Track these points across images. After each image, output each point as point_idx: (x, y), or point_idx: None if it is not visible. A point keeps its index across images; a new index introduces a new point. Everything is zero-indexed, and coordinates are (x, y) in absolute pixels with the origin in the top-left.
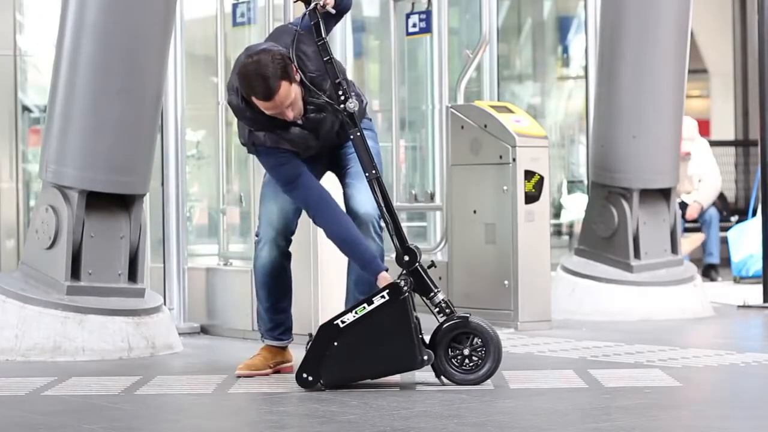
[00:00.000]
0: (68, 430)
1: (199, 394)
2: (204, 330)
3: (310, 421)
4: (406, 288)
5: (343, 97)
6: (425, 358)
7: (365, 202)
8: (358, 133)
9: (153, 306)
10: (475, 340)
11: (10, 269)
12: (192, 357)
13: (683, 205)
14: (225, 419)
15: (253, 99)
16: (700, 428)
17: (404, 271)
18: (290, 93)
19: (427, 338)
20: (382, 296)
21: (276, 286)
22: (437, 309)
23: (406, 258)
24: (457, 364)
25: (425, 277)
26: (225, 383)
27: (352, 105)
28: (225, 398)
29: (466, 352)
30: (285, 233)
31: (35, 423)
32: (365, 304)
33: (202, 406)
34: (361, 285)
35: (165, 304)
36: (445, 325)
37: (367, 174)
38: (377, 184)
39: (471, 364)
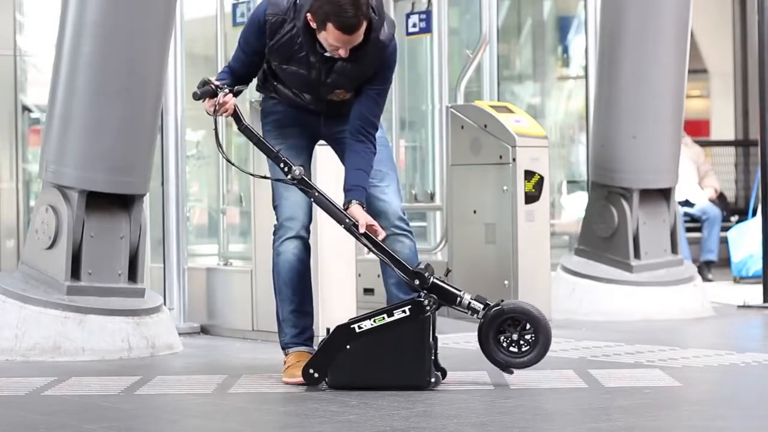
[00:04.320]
0: (68, 430)
1: (199, 394)
2: (204, 330)
3: (310, 421)
4: (428, 308)
5: (286, 168)
6: (433, 380)
7: (389, 200)
8: (316, 195)
9: (153, 306)
10: (523, 324)
11: (10, 269)
12: (192, 357)
13: (688, 203)
14: (225, 419)
15: (330, 24)
16: (700, 428)
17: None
18: (362, 34)
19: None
20: (404, 311)
21: (301, 284)
22: (469, 311)
23: (416, 282)
24: (515, 350)
25: (445, 286)
26: (225, 383)
27: (297, 173)
28: (225, 398)
29: (515, 336)
30: (308, 225)
31: (35, 423)
32: (385, 315)
33: (202, 406)
34: (404, 286)
35: (165, 304)
36: (484, 322)
37: (343, 225)
38: (357, 230)
39: (524, 344)
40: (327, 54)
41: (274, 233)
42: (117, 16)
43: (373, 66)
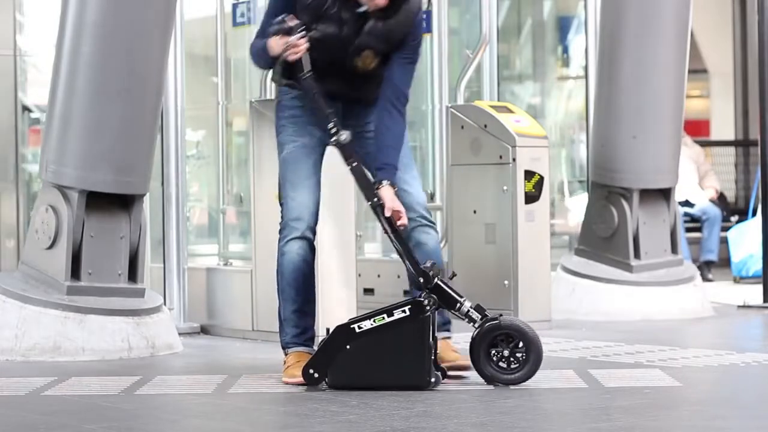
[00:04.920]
0: (68, 430)
1: (199, 394)
2: (204, 330)
3: (310, 421)
4: (428, 308)
5: (334, 130)
6: (433, 380)
7: (413, 191)
8: (354, 164)
9: (153, 306)
10: (516, 342)
11: (10, 269)
12: (192, 357)
13: (688, 204)
14: (225, 419)
15: None
16: (700, 428)
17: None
18: None
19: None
20: (403, 311)
21: (305, 284)
22: (467, 319)
23: (421, 280)
24: (504, 366)
25: (448, 290)
26: (225, 383)
27: (344, 137)
28: (225, 398)
29: (507, 352)
30: (314, 226)
31: (35, 423)
32: (385, 315)
33: (202, 406)
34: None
35: (165, 304)
36: (478, 333)
37: (369, 203)
38: (382, 212)
39: (514, 362)
40: (360, 10)
41: (280, 232)
42: (117, 16)
43: (402, 30)
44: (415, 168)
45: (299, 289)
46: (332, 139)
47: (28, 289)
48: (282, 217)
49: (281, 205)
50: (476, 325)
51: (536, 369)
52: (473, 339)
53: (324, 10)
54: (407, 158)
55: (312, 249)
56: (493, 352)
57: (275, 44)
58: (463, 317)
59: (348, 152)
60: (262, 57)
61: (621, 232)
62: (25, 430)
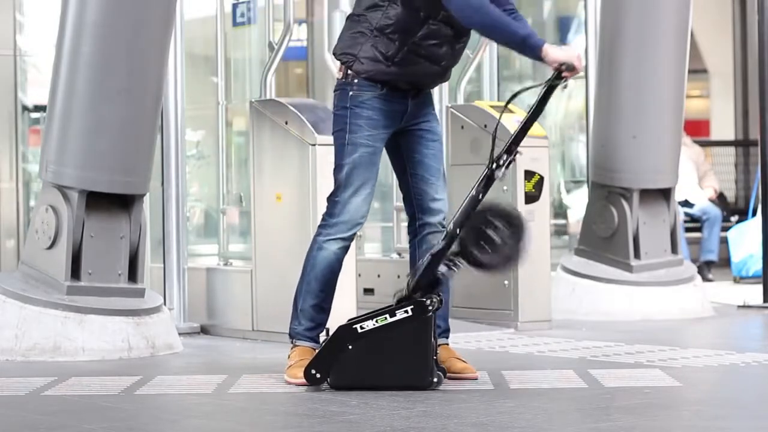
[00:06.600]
0: (68, 430)
1: (199, 394)
2: (204, 330)
3: (310, 421)
4: (431, 308)
5: (504, 163)
6: (435, 380)
7: (444, 202)
8: (480, 196)
9: (153, 306)
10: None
11: (10, 269)
12: (192, 357)
13: (688, 204)
14: (225, 419)
15: None
16: (700, 428)
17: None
18: None
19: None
20: (406, 311)
21: (331, 282)
22: (446, 268)
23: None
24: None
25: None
26: (225, 383)
27: (501, 175)
28: (225, 398)
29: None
30: (358, 230)
31: (35, 423)
32: (387, 315)
33: (202, 406)
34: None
35: (165, 304)
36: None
37: (453, 228)
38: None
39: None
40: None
41: (323, 226)
42: (117, 16)
43: None
44: (444, 177)
45: (325, 285)
46: (494, 167)
47: (28, 289)
48: (331, 214)
49: (335, 202)
50: (454, 260)
51: (523, 245)
52: (461, 237)
53: None
54: (441, 164)
55: (347, 250)
56: (482, 242)
57: (560, 55)
58: (447, 268)
59: (489, 186)
60: (505, 33)
61: (621, 232)
62: (25, 430)
